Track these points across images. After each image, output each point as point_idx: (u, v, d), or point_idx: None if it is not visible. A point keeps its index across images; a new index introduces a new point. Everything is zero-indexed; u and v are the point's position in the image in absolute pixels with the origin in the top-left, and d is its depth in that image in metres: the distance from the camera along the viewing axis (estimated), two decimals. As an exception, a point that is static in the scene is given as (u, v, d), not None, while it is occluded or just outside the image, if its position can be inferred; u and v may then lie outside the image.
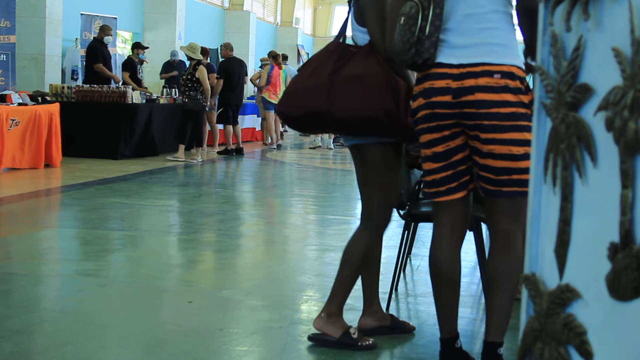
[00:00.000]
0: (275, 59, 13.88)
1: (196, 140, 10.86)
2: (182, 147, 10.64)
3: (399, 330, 3.31)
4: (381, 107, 2.80)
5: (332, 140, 14.49)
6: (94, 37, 11.83)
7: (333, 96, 2.85)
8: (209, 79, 11.97)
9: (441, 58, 2.55)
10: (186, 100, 10.55)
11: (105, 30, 11.46)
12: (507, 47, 2.51)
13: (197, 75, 10.44)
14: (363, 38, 2.96)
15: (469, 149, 2.62)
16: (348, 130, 2.96)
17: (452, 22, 2.54)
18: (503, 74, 2.47)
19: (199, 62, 10.51)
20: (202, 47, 12.44)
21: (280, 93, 13.47)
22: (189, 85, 10.51)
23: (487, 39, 2.50)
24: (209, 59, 12.54)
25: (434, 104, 2.57)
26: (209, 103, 10.79)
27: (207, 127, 12.34)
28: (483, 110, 2.48)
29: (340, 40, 3.01)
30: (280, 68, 13.79)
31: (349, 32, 3.11)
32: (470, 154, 2.63)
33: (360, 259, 3.07)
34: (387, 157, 3.01)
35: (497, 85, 2.46)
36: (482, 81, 2.47)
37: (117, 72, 12.86)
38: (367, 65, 2.86)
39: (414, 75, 2.88)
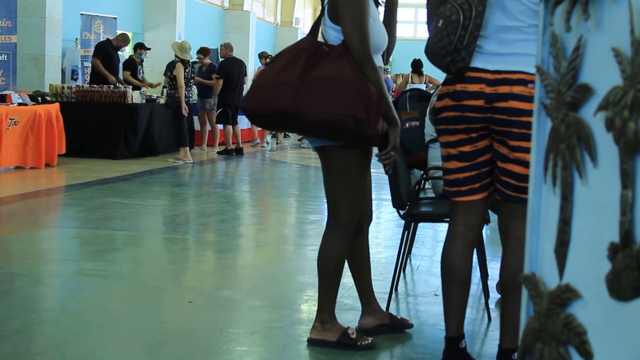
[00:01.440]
0: (266, 59, 13.91)
1: (179, 139, 10.62)
2: (182, 148, 10.59)
3: (399, 327, 3.30)
4: (352, 114, 2.71)
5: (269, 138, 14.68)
6: (108, 38, 11.92)
7: (301, 97, 2.75)
8: (210, 79, 11.99)
9: (476, 63, 2.55)
10: (167, 98, 10.65)
11: (123, 38, 11.60)
12: None
13: (174, 73, 10.43)
14: (335, 36, 2.88)
15: (493, 151, 2.63)
16: (313, 133, 2.88)
17: (489, 30, 2.54)
18: None
19: (180, 60, 10.49)
20: (203, 47, 12.43)
21: None
22: (171, 84, 10.58)
23: (524, 49, 2.51)
24: (209, 59, 12.54)
25: (465, 107, 2.57)
26: (182, 100, 10.51)
27: (208, 127, 12.35)
28: (514, 118, 2.50)
29: (314, 38, 2.93)
30: None
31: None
32: (492, 158, 2.64)
33: (336, 267, 3.03)
34: (354, 161, 2.94)
35: (529, 95, 2.47)
36: (517, 89, 2.49)
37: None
38: (340, 67, 2.77)
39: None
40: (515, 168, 2.55)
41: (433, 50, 2.55)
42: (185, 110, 10.40)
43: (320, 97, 2.76)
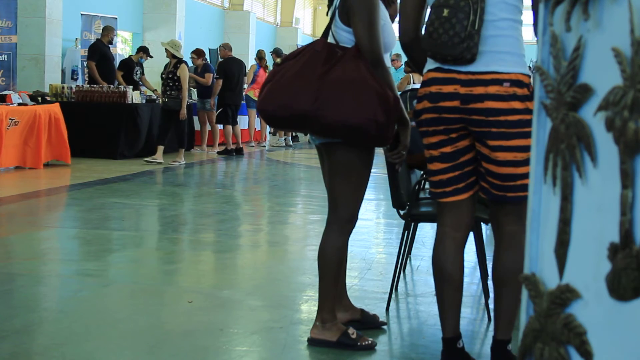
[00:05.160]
0: (261, 60, 13.87)
1: (180, 141, 10.39)
2: (160, 148, 10.13)
3: (370, 324, 3.32)
4: (373, 117, 2.74)
5: (290, 138, 14.61)
6: (97, 39, 11.85)
7: (321, 100, 2.77)
8: (205, 78, 11.97)
9: (449, 63, 2.54)
10: (166, 100, 10.10)
11: (108, 32, 11.48)
12: (515, 55, 2.51)
13: (178, 74, 10.05)
14: (347, 37, 2.91)
15: (475, 150, 2.63)
16: (332, 135, 2.88)
17: None
18: (512, 82, 2.48)
19: (180, 61, 10.13)
20: (198, 49, 12.41)
21: None
22: (170, 84, 10.08)
23: (495, 47, 2.50)
24: (208, 59, 12.51)
25: (441, 108, 2.58)
26: (184, 104, 10.09)
27: (208, 127, 12.35)
28: (492, 118, 2.50)
29: (327, 40, 2.94)
30: (265, 69, 13.78)
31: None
32: (476, 156, 2.64)
33: (335, 264, 3.04)
34: (357, 159, 2.96)
35: (506, 94, 2.48)
36: (492, 89, 2.49)
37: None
38: (356, 70, 2.79)
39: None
40: (497, 169, 2.55)
41: (442, 41, 2.50)
42: (183, 115, 10.07)
43: (340, 100, 2.77)
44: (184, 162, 10.34)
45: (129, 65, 12.11)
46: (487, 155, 2.56)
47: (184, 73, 10.09)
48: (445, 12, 2.49)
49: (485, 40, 2.50)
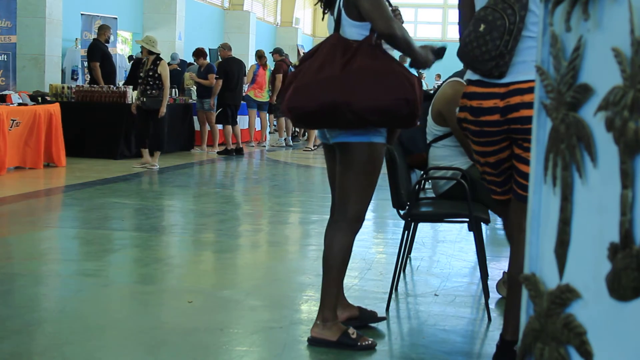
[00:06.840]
0: (260, 59, 13.82)
1: (157, 143, 9.55)
2: (145, 151, 9.50)
3: (368, 320, 3.33)
4: (403, 96, 2.84)
5: (290, 138, 14.59)
6: (94, 38, 11.81)
7: (349, 88, 2.84)
8: (207, 79, 11.96)
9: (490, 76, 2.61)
10: (144, 99, 9.25)
11: (105, 31, 11.41)
12: None
13: (159, 71, 9.25)
14: (355, 32, 2.96)
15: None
16: (364, 122, 2.90)
17: None
18: None
19: (159, 57, 9.42)
20: (198, 48, 12.39)
21: (265, 92, 13.48)
22: (151, 83, 9.25)
23: (531, 57, 2.53)
24: (208, 59, 12.49)
25: (483, 122, 2.65)
26: (165, 102, 9.37)
27: (207, 127, 12.34)
28: (527, 126, 2.55)
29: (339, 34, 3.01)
30: (265, 68, 13.72)
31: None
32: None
33: (341, 262, 3.06)
34: (371, 159, 3.00)
35: None
36: (528, 97, 2.52)
37: (119, 71, 12.85)
38: (376, 58, 2.89)
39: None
40: (527, 169, 2.59)
41: (474, 54, 2.57)
42: (162, 112, 9.34)
43: (368, 86, 2.85)
44: (158, 165, 9.56)
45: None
46: (520, 154, 2.63)
47: (165, 70, 9.36)
48: (482, 27, 2.55)
49: (521, 51, 2.54)
